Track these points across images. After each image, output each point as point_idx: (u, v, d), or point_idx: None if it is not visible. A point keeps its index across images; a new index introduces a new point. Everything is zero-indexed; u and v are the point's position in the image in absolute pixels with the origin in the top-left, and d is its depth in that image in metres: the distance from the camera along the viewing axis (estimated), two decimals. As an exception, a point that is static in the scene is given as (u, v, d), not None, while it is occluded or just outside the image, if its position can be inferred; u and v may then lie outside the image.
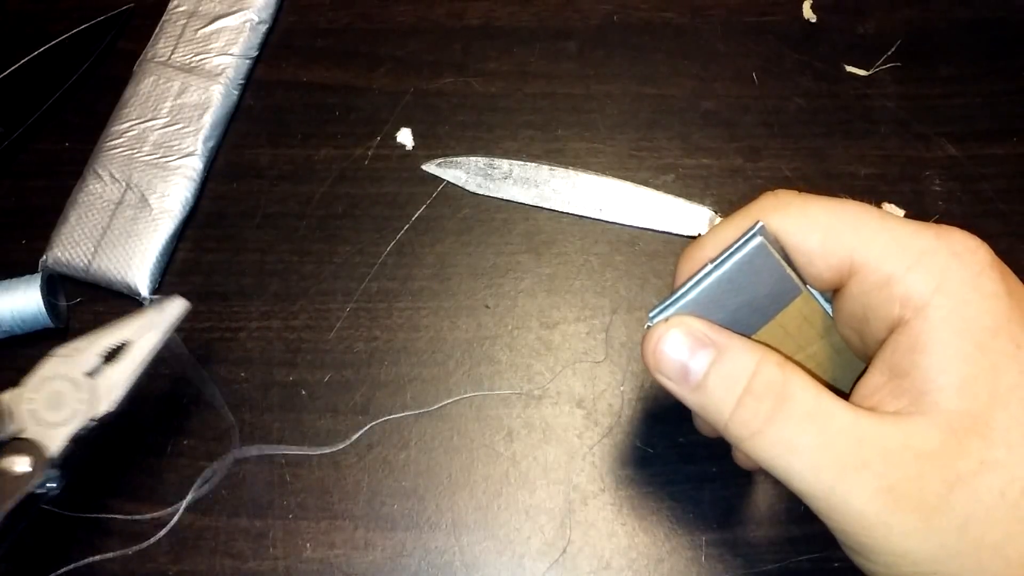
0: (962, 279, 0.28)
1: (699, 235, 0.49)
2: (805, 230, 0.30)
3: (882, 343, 0.30)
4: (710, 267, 0.30)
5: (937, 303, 0.28)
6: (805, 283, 0.31)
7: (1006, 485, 0.26)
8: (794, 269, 0.31)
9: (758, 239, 0.29)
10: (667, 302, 0.30)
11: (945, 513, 0.26)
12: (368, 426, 0.45)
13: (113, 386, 0.39)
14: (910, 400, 0.28)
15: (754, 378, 0.29)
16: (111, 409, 0.40)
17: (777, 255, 0.30)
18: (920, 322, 0.28)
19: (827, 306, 0.32)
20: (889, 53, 0.54)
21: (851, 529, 0.28)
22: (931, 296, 0.28)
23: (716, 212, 0.49)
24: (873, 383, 0.29)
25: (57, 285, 0.48)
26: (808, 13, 0.56)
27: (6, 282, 0.46)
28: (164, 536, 0.44)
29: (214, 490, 0.44)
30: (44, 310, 0.46)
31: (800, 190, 0.49)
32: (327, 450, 0.45)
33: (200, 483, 0.44)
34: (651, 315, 0.31)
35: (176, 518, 0.44)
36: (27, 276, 0.47)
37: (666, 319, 0.30)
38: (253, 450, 0.45)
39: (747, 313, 0.31)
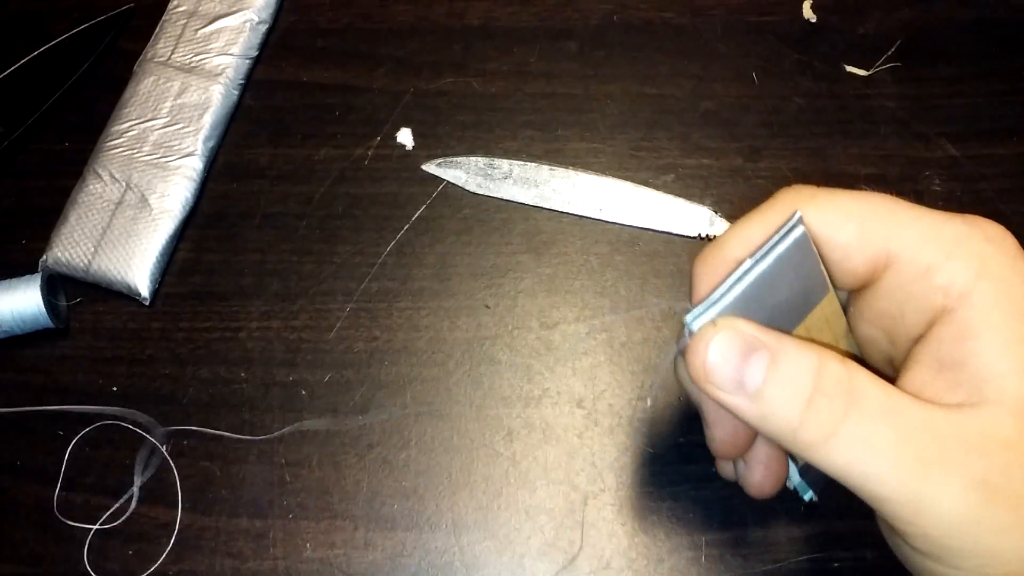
0: (1002, 264, 0.27)
1: (706, 237, 0.49)
2: (839, 222, 0.29)
3: (918, 339, 0.28)
4: (749, 263, 0.27)
5: (982, 288, 0.27)
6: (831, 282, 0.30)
7: None
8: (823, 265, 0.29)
9: (800, 229, 0.28)
10: (706, 305, 0.27)
11: None
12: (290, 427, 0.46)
13: None
14: (968, 391, 0.26)
15: (821, 377, 0.26)
16: None
17: (815, 247, 0.29)
18: (967, 310, 0.27)
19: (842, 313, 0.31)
20: (889, 53, 0.55)
21: (938, 532, 0.26)
22: (975, 282, 0.27)
23: (716, 212, 0.49)
24: (920, 379, 0.28)
25: (57, 285, 0.48)
26: (808, 13, 0.56)
27: (6, 282, 0.46)
28: (164, 536, 0.44)
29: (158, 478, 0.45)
30: (44, 310, 0.46)
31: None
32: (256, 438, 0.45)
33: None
34: (689, 321, 0.28)
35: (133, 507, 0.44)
36: (27, 276, 0.47)
37: (712, 322, 0.27)
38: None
39: (781, 314, 0.29)
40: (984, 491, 0.25)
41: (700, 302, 0.28)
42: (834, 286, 0.30)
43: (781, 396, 0.26)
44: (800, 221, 0.28)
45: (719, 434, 0.33)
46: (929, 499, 0.25)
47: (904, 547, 0.28)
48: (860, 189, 0.50)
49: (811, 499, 0.35)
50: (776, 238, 0.28)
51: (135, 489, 0.44)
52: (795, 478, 0.35)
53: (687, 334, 0.28)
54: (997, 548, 0.25)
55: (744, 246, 0.29)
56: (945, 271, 0.27)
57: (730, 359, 0.27)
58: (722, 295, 0.27)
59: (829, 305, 0.30)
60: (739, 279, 0.27)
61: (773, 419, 0.27)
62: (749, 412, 0.27)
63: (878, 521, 0.29)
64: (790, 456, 0.34)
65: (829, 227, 0.29)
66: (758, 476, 0.34)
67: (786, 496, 0.43)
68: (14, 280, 0.46)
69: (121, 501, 0.44)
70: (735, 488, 0.44)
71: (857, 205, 0.29)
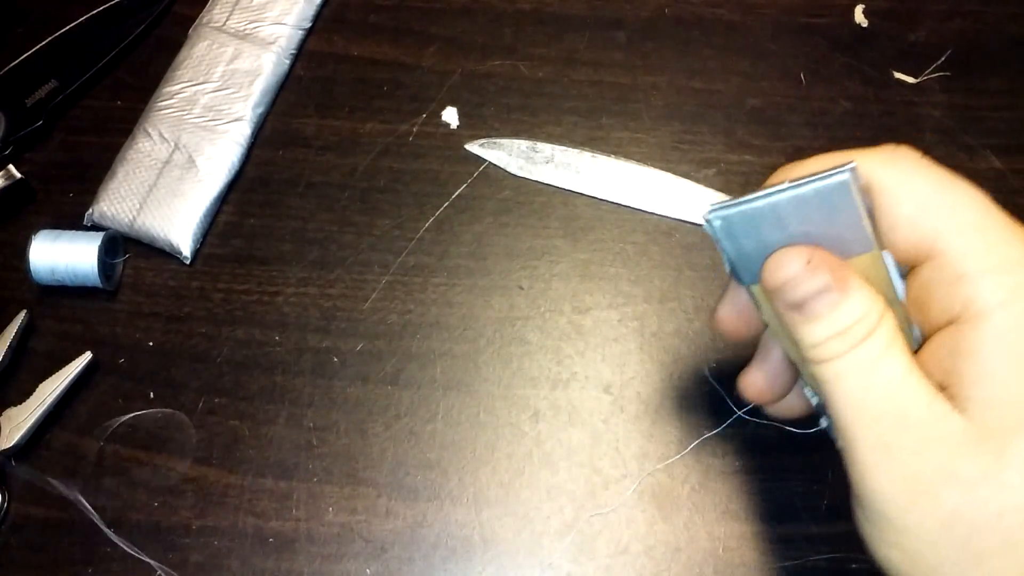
0: None
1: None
2: (901, 195, 0.29)
3: (935, 332, 0.29)
4: (787, 184, 0.28)
5: (998, 318, 0.27)
6: (883, 247, 0.30)
7: (1007, 509, 0.26)
8: (874, 226, 0.30)
9: (843, 177, 0.28)
10: (733, 201, 0.29)
11: (936, 500, 0.27)
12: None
13: (15, 428, 0.44)
14: (948, 397, 0.28)
15: (869, 314, 0.28)
16: (12, 448, 0.44)
17: (859, 201, 0.29)
18: (971, 330, 0.27)
19: (898, 282, 0.31)
20: (939, 62, 0.54)
21: (878, 499, 0.28)
22: (994, 309, 0.27)
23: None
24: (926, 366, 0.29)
25: (118, 247, 0.49)
26: (860, 18, 0.56)
27: (69, 233, 0.47)
28: (190, 490, 0.44)
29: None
30: (97, 271, 0.47)
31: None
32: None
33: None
34: (711, 210, 0.29)
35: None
36: (91, 233, 0.48)
37: (722, 216, 0.29)
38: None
39: (808, 243, 0.30)
40: (923, 487, 0.27)
41: (729, 200, 0.29)
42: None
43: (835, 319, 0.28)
44: (850, 170, 0.28)
45: (764, 372, 0.35)
46: (880, 467, 0.28)
47: (855, 506, 0.30)
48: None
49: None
50: (820, 175, 0.28)
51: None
52: (824, 423, 0.35)
53: (704, 222, 0.30)
54: (895, 519, 0.28)
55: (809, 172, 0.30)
56: (974, 286, 0.28)
57: (813, 279, 0.28)
58: (749, 199, 0.29)
59: (872, 266, 0.30)
60: (770, 193, 0.29)
61: (808, 336, 0.29)
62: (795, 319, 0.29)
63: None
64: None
65: (893, 196, 0.29)
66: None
67: (808, 494, 0.44)
68: (78, 233, 0.47)
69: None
70: (757, 483, 0.44)
71: (929, 188, 0.29)
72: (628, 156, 0.52)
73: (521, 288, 0.49)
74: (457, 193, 0.51)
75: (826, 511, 0.43)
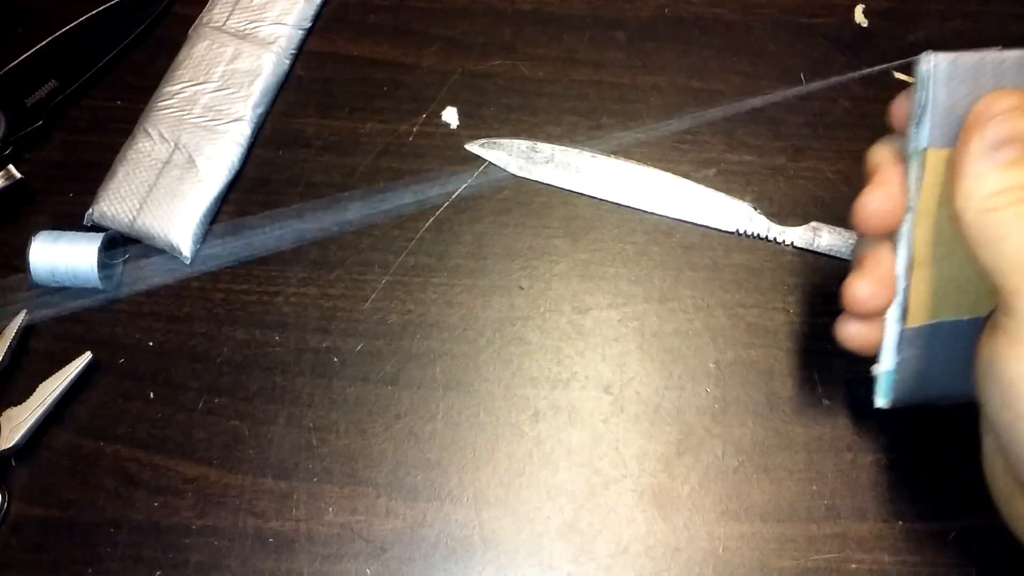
0: None
1: (745, 233, 0.49)
2: None
3: None
4: (1012, 52, 0.32)
5: None
6: None
7: None
8: None
9: None
10: (956, 53, 0.32)
11: None
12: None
13: (15, 428, 0.44)
14: None
15: None
16: (12, 448, 0.44)
17: None
18: None
19: None
20: (939, 62, 0.54)
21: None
22: None
23: (755, 208, 0.49)
24: None
25: (118, 247, 0.49)
26: (859, 18, 0.56)
27: (70, 234, 0.47)
28: (190, 490, 0.44)
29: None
30: (97, 272, 0.47)
31: (843, 193, 0.50)
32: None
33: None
34: (929, 53, 0.32)
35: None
36: (91, 234, 0.47)
37: (945, 60, 0.32)
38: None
39: None
40: None
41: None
42: None
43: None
44: None
45: (874, 278, 0.36)
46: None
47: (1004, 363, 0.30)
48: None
49: (882, 405, 0.38)
50: None
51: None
52: (886, 363, 0.37)
53: (920, 65, 0.33)
54: None
55: None
56: None
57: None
58: (966, 54, 0.32)
59: None
60: (989, 53, 0.32)
61: (981, 175, 0.31)
62: (978, 153, 0.31)
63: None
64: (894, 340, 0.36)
65: None
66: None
67: (808, 494, 0.44)
68: (78, 234, 0.47)
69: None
70: (757, 483, 0.44)
71: None
72: (628, 156, 0.52)
73: (521, 288, 0.49)
74: (457, 193, 0.51)
75: (826, 511, 0.43)
